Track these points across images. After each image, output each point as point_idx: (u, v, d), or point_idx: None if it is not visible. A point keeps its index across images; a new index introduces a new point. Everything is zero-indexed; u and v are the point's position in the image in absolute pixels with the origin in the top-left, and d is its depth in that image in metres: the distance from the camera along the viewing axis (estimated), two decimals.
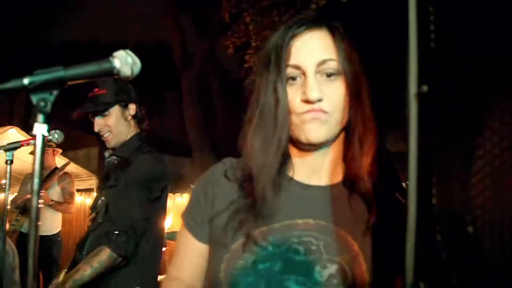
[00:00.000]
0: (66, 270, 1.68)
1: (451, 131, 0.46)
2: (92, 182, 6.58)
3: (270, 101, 0.77)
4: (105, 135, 1.71)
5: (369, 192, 0.78)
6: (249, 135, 0.80)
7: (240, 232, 0.77)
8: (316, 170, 0.81)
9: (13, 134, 5.92)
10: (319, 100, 0.74)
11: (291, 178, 0.82)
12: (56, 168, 3.96)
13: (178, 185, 6.59)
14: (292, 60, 0.76)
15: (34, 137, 1.59)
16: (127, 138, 1.75)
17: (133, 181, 1.61)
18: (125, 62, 0.70)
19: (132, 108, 1.76)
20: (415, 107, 0.46)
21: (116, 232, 1.53)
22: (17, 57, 12.93)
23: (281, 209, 0.77)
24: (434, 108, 0.46)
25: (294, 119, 0.76)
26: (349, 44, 0.77)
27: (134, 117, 1.78)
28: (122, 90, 1.73)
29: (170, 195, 5.10)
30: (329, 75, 0.76)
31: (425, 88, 0.46)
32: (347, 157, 0.80)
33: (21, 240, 3.47)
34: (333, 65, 0.75)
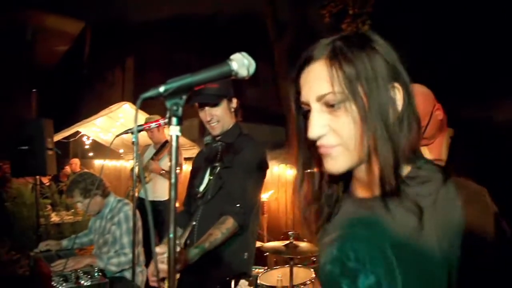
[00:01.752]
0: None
1: None
2: (195, 151, 7.06)
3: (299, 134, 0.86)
4: (213, 124, 1.93)
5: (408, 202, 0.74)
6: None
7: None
8: (361, 184, 0.84)
9: (127, 109, 6.57)
10: (324, 135, 0.76)
11: (348, 193, 0.89)
12: (166, 141, 4.27)
13: (274, 155, 6.74)
14: (302, 97, 0.80)
15: (155, 120, 1.75)
16: (229, 127, 1.99)
17: (246, 163, 1.86)
18: (241, 64, 0.76)
19: (235, 101, 2.00)
20: None
21: (237, 205, 1.78)
22: (127, 34, 14.12)
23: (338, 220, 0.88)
24: None
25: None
26: (348, 69, 0.74)
27: (235, 109, 2.02)
28: (228, 86, 1.95)
29: None
30: (332, 106, 0.75)
31: None
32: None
33: (140, 204, 3.88)
34: (331, 98, 0.75)
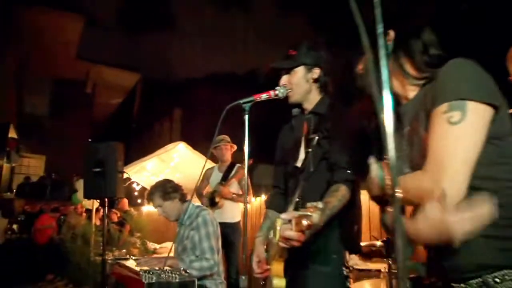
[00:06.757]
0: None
1: None
2: None
3: None
4: (287, 91, 1.82)
5: None
6: None
7: None
8: None
9: (182, 149, 6.33)
10: None
11: None
12: (232, 163, 4.26)
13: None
14: None
15: (266, 92, 1.73)
16: (315, 99, 1.88)
17: (346, 131, 1.71)
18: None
19: (316, 72, 1.85)
20: None
21: (348, 171, 1.67)
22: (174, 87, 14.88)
23: None
24: None
25: None
26: None
27: (316, 80, 1.87)
28: (311, 54, 1.84)
29: None
30: None
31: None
32: None
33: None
34: None
